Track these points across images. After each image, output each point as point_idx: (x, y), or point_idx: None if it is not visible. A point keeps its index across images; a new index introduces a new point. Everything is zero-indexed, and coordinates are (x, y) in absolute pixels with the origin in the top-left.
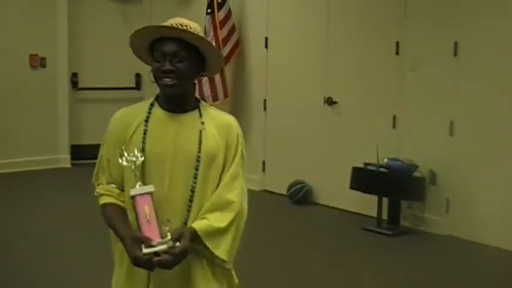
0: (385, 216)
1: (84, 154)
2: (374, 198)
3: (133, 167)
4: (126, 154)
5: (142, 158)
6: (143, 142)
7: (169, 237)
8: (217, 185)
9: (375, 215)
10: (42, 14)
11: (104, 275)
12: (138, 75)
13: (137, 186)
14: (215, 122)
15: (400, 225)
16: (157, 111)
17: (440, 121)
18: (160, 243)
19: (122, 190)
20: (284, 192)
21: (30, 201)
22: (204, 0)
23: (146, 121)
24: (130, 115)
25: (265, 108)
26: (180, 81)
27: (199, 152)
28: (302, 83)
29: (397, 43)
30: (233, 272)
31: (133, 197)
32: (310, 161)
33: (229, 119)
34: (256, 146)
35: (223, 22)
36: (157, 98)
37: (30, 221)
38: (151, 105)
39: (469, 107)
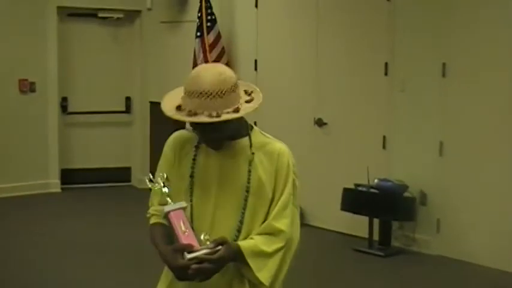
0: (376, 237)
1: (75, 178)
2: (365, 219)
3: (162, 189)
4: (154, 180)
5: (166, 189)
6: (192, 168)
7: (208, 243)
8: (266, 216)
9: (366, 236)
10: (32, 39)
11: None
12: (128, 99)
13: (169, 202)
14: (265, 149)
15: (391, 245)
16: None
17: (429, 141)
18: (202, 248)
19: None
20: None
21: (21, 226)
22: (194, 24)
23: (197, 147)
24: (184, 139)
25: None
26: (221, 141)
27: (248, 182)
28: (292, 105)
29: (386, 64)
30: None
31: (167, 214)
32: (301, 182)
33: (280, 146)
34: None
35: (213, 45)
36: None
37: (20, 246)
38: None
39: (458, 127)
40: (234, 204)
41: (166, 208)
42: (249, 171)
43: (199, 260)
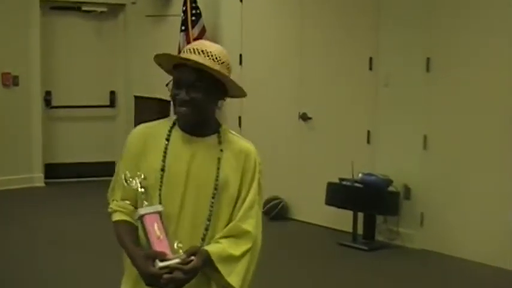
0: (360, 231)
1: (58, 173)
2: (349, 214)
3: (139, 189)
4: (130, 178)
5: (142, 189)
6: (163, 161)
7: (181, 252)
8: (231, 213)
9: (351, 230)
10: (14, 32)
11: None
12: (112, 93)
13: (144, 205)
14: (233, 147)
15: (375, 239)
16: (177, 132)
17: (413, 136)
18: (175, 258)
19: (136, 207)
20: None
21: (4, 220)
22: (178, 18)
23: (167, 140)
24: (149, 132)
25: (240, 125)
26: (195, 110)
27: (217, 180)
28: (277, 99)
29: (371, 59)
30: None
31: (141, 217)
32: (286, 176)
33: (248, 146)
34: None
35: (198, 39)
36: (177, 119)
37: (4, 240)
38: (173, 124)
39: (442, 121)
40: (201, 200)
41: (141, 211)
42: (218, 168)
43: (170, 269)
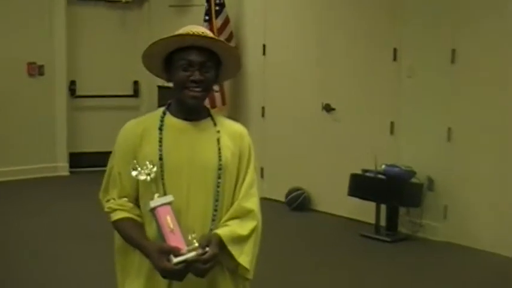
0: (383, 222)
1: (83, 162)
2: (372, 205)
3: (149, 179)
4: (139, 167)
5: (155, 168)
6: (160, 151)
7: (196, 244)
8: (233, 192)
9: (373, 222)
10: (40, 22)
11: (106, 284)
12: (136, 83)
13: (155, 197)
14: (227, 130)
15: (398, 231)
16: (171, 119)
17: (438, 127)
18: (189, 251)
19: (136, 204)
20: (282, 199)
21: (29, 209)
22: (202, 8)
23: (160, 129)
24: (141, 126)
25: (263, 115)
26: (207, 90)
27: (220, 160)
28: (300, 90)
29: (395, 50)
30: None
31: (153, 209)
32: (309, 167)
33: (241, 128)
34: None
35: (221, 29)
36: (168, 107)
37: (29, 229)
38: (164, 113)
39: (466, 113)
40: (207, 183)
41: (153, 203)
42: (219, 148)
43: (187, 263)
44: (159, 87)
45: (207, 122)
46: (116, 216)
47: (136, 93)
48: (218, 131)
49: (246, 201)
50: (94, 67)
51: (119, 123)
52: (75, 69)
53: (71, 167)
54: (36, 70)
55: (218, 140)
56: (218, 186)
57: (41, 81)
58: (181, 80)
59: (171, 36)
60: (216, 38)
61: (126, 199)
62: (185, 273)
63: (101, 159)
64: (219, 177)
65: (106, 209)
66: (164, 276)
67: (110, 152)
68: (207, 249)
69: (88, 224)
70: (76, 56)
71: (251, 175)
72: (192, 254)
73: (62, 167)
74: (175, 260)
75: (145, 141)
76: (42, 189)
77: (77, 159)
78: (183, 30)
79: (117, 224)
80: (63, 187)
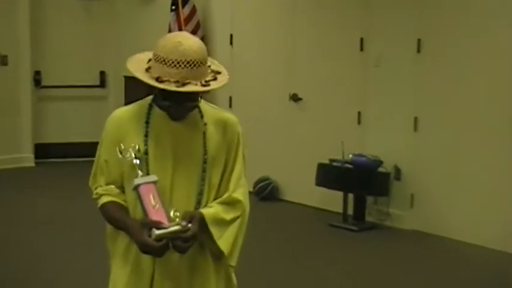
0: (350, 211)
1: (49, 153)
2: (340, 194)
3: (133, 160)
4: (124, 150)
5: (137, 160)
6: (145, 144)
7: (178, 221)
8: (219, 183)
9: (341, 211)
10: (3, 10)
11: (69, 273)
12: (102, 73)
13: (139, 175)
14: (215, 120)
15: (365, 220)
16: (157, 112)
17: (404, 117)
18: (171, 225)
19: (122, 190)
20: (250, 188)
21: None
22: None
23: (147, 122)
24: (127, 116)
25: (230, 105)
26: (190, 112)
27: (205, 154)
28: (267, 80)
29: (362, 39)
30: (233, 274)
31: (137, 187)
32: (276, 157)
33: (230, 117)
34: None
35: (188, 19)
36: (154, 99)
37: None
38: (150, 105)
39: (432, 102)
40: (191, 176)
41: (137, 181)
42: (205, 142)
43: (168, 237)
44: (126, 77)
45: (194, 114)
46: (102, 201)
47: (103, 84)
48: (205, 124)
49: (233, 191)
50: (59, 57)
51: (85, 113)
52: (40, 59)
53: (36, 157)
54: None
55: (204, 133)
56: (203, 180)
57: (4, 71)
58: (162, 106)
59: (150, 84)
60: (202, 89)
61: (113, 186)
62: (165, 250)
63: (67, 150)
64: (204, 171)
65: (93, 196)
66: (143, 251)
67: (77, 143)
68: (189, 225)
69: (54, 214)
70: (41, 45)
71: (240, 165)
72: (175, 227)
73: (28, 158)
74: (156, 232)
75: (132, 132)
76: (7, 181)
77: (42, 150)
78: (166, 53)
79: (103, 209)
80: (29, 178)
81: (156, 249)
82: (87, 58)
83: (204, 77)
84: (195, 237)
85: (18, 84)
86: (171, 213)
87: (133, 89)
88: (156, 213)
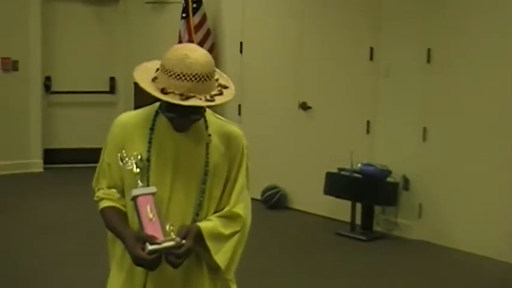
0: (358, 221)
1: (57, 158)
2: (348, 203)
3: (135, 170)
4: (126, 158)
5: (146, 164)
6: (148, 151)
7: (173, 236)
8: (221, 196)
9: (349, 220)
10: (15, 16)
11: (78, 278)
12: (112, 79)
13: (139, 186)
14: (220, 132)
15: (373, 230)
16: (162, 120)
17: (413, 127)
18: (165, 241)
19: (123, 195)
20: (258, 197)
21: (1, 205)
22: (179, 5)
23: (152, 129)
24: (133, 121)
25: (239, 113)
26: (192, 124)
27: (206, 166)
28: (277, 88)
29: (371, 49)
30: (233, 285)
31: (135, 197)
32: (285, 166)
33: (235, 130)
34: None
35: (198, 26)
36: (161, 106)
37: (1, 225)
38: (157, 112)
39: (441, 113)
40: (190, 187)
41: (135, 192)
42: (207, 154)
43: (161, 252)
44: (136, 84)
45: (199, 125)
46: (102, 205)
47: (112, 90)
48: (209, 135)
49: (233, 206)
50: (70, 63)
51: (94, 119)
52: (50, 65)
53: (45, 163)
54: (10, 65)
55: (207, 145)
56: (203, 192)
57: (15, 77)
58: (167, 117)
59: (156, 96)
60: (206, 104)
61: (114, 190)
62: (157, 263)
63: (76, 155)
64: (204, 183)
65: (95, 198)
66: (136, 264)
67: (86, 149)
68: (184, 241)
69: (62, 220)
70: (51, 51)
71: (242, 179)
72: (169, 243)
73: (36, 164)
74: (149, 247)
75: (136, 138)
76: (16, 186)
77: (51, 156)
78: (173, 66)
79: (103, 213)
80: (37, 183)
81: (149, 263)
82: (97, 64)
83: (210, 91)
84: (189, 253)
85: (28, 89)
86: (167, 227)
87: (143, 96)
88: (151, 226)
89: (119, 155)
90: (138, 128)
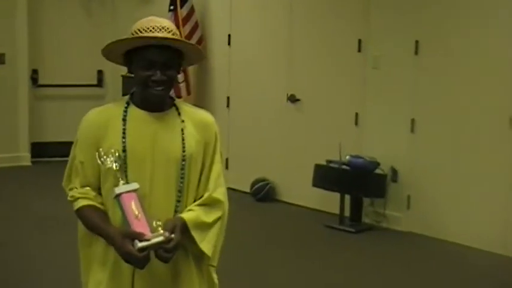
0: (347, 213)
1: (45, 152)
2: (336, 196)
3: (114, 165)
4: (104, 155)
5: (123, 159)
6: (123, 142)
7: (161, 231)
8: (198, 182)
9: (337, 212)
10: (2, 9)
11: (67, 273)
12: (100, 72)
13: (120, 184)
14: (193, 119)
15: (362, 222)
16: (134, 110)
17: (401, 119)
18: (154, 237)
19: (98, 193)
20: (247, 189)
21: None
22: None
23: (124, 120)
24: (104, 115)
25: (228, 106)
26: (169, 88)
27: (183, 151)
28: (265, 80)
29: (360, 41)
30: (214, 273)
31: (118, 196)
32: (273, 158)
33: (207, 116)
34: None
35: (186, 19)
36: (131, 97)
37: None
38: (127, 104)
39: (429, 104)
40: (170, 174)
41: (118, 190)
42: (183, 139)
43: (150, 249)
44: (123, 76)
45: (172, 112)
46: (79, 204)
47: (100, 83)
48: (183, 121)
49: (213, 191)
50: (57, 56)
51: (82, 113)
52: (37, 58)
53: (33, 156)
54: None
55: (182, 130)
56: (182, 178)
57: (1, 70)
58: (142, 78)
59: (131, 38)
60: (177, 38)
61: (88, 188)
62: (147, 261)
63: (64, 149)
64: (182, 169)
65: (69, 198)
66: (126, 261)
67: (73, 142)
68: (172, 235)
69: (51, 214)
70: (38, 44)
71: (217, 164)
72: (158, 239)
73: (24, 157)
74: (139, 244)
75: (109, 131)
76: (4, 179)
77: (39, 149)
78: (142, 25)
79: (80, 212)
80: (25, 177)
81: (139, 260)
82: (85, 57)
83: (180, 42)
84: (178, 247)
85: (15, 82)
86: (154, 223)
87: (131, 88)
88: (138, 223)
89: (97, 153)
90: (110, 121)
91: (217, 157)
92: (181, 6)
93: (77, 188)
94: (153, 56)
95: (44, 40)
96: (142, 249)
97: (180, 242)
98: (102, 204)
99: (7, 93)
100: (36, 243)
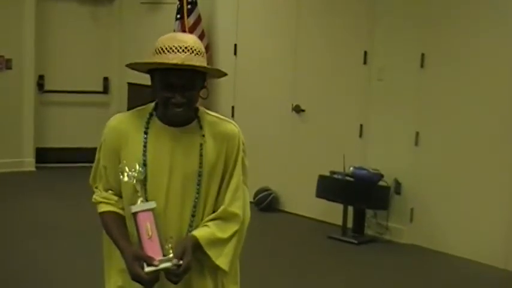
0: (350, 224)
1: (50, 157)
2: (339, 207)
3: (134, 181)
4: (127, 169)
5: (144, 173)
6: (144, 155)
7: (171, 255)
8: (217, 195)
9: (340, 224)
10: (9, 15)
11: (69, 276)
12: (105, 79)
13: (139, 202)
14: (215, 130)
15: (364, 233)
16: (156, 123)
17: (406, 131)
18: (162, 261)
19: (120, 196)
20: (251, 199)
21: None
22: (174, 6)
23: (146, 133)
24: (126, 124)
25: (233, 115)
26: (190, 109)
27: (200, 167)
28: (270, 91)
29: (365, 53)
30: (232, 285)
31: (134, 214)
32: (277, 168)
33: (231, 127)
34: None
35: (193, 28)
36: (155, 108)
37: None
38: (150, 115)
39: (434, 117)
40: (185, 189)
41: (134, 208)
42: (201, 155)
43: (159, 272)
44: (130, 84)
45: (193, 126)
46: (101, 209)
47: (106, 90)
48: (203, 135)
49: (229, 205)
50: (63, 62)
51: (87, 119)
52: (44, 64)
53: (37, 162)
54: (3, 64)
55: (201, 145)
56: (198, 193)
57: (8, 75)
58: (162, 99)
59: (150, 63)
60: (194, 64)
61: (111, 191)
62: (155, 281)
63: (68, 155)
64: (198, 184)
65: (92, 199)
66: (134, 280)
67: (78, 148)
68: (181, 262)
69: (54, 220)
70: (45, 50)
71: (237, 177)
72: (166, 264)
73: (29, 162)
74: (147, 269)
75: (129, 142)
76: (8, 184)
77: (43, 155)
78: (164, 43)
79: (102, 218)
80: (30, 182)
81: (146, 282)
82: (91, 64)
83: (203, 64)
84: (188, 271)
85: (21, 88)
86: (166, 246)
87: (137, 96)
88: (150, 244)
89: (120, 167)
90: (132, 130)
91: (238, 169)
92: (188, 15)
93: (100, 191)
94: (172, 79)
95: (50, 46)
96: (149, 273)
97: (190, 265)
98: (122, 209)
99: (13, 98)
100: (39, 247)
